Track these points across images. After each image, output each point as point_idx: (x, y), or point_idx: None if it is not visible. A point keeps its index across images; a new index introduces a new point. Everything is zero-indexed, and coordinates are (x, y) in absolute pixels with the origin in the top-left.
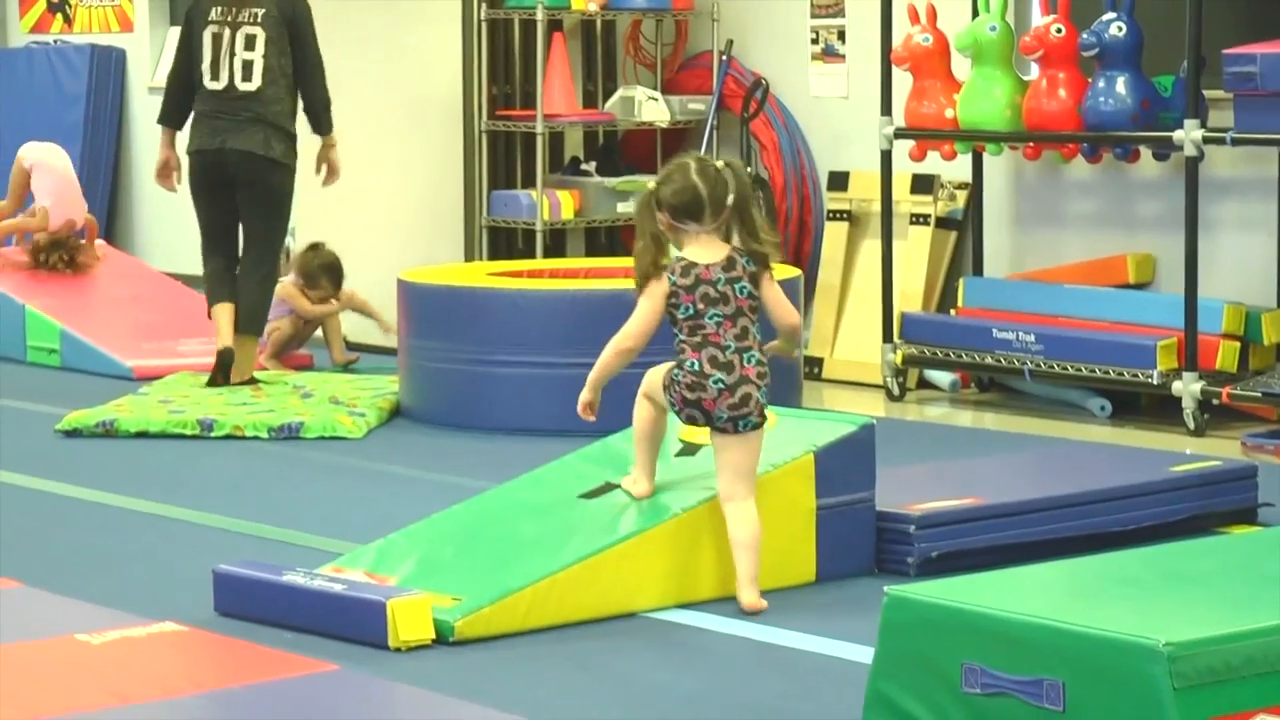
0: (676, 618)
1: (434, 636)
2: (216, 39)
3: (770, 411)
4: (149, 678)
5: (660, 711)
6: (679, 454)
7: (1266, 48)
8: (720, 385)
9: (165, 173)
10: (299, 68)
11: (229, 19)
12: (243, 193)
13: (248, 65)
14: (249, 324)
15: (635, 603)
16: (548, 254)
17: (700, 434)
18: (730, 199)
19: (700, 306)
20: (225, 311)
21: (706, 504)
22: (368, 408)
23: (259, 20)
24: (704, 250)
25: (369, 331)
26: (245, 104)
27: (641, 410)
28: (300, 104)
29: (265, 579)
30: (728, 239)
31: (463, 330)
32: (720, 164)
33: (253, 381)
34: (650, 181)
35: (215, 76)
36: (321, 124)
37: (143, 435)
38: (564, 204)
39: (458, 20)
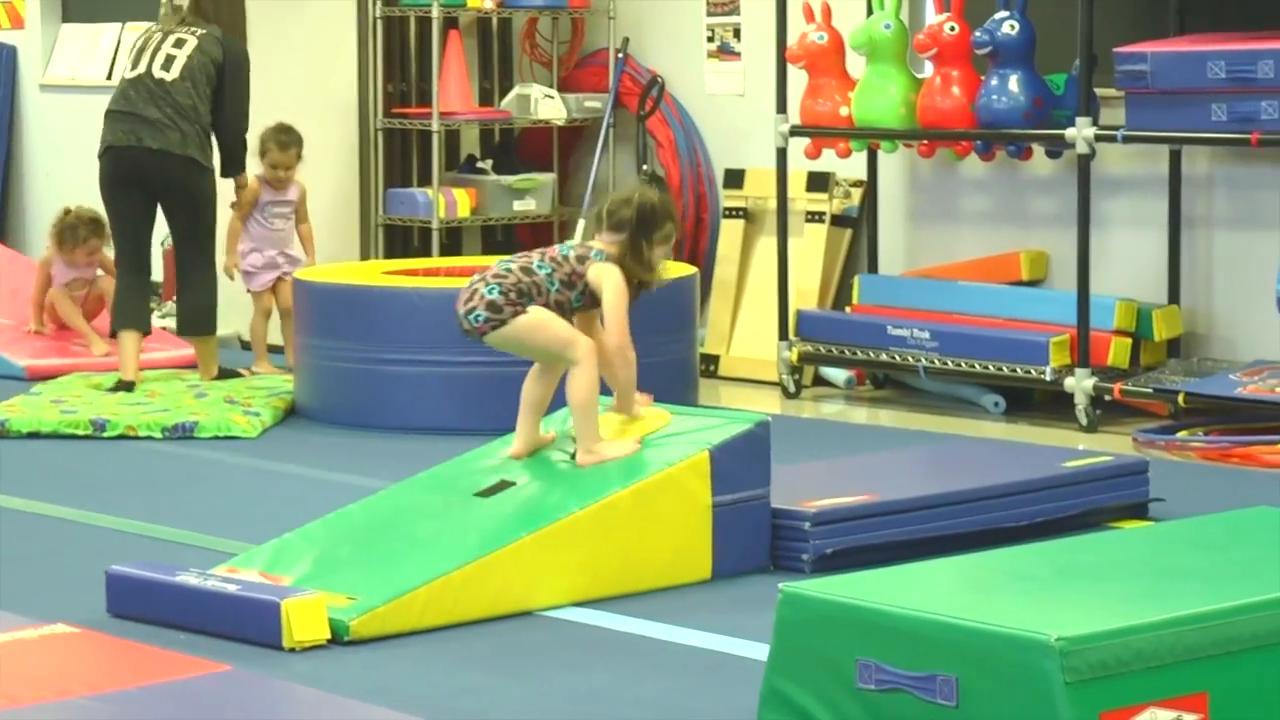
0: (572, 616)
1: (329, 636)
2: (148, 38)
3: (662, 408)
4: (41, 680)
5: (557, 710)
6: (575, 455)
7: (1157, 46)
8: (463, 289)
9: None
10: (221, 100)
11: (166, 29)
12: (164, 197)
13: (170, 58)
14: (200, 326)
15: (531, 601)
16: (444, 252)
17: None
18: (626, 224)
19: None
20: (131, 340)
21: (602, 503)
22: (263, 407)
23: (194, 32)
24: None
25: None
26: (160, 93)
27: (528, 378)
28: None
29: (158, 580)
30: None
31: (359, 329)
32: (634, 194)
33: (224, 375)
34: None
35: (135, 65)
36: (231, 165)
37: (34, 436)
38: (460, 202)
39: (353, 18)
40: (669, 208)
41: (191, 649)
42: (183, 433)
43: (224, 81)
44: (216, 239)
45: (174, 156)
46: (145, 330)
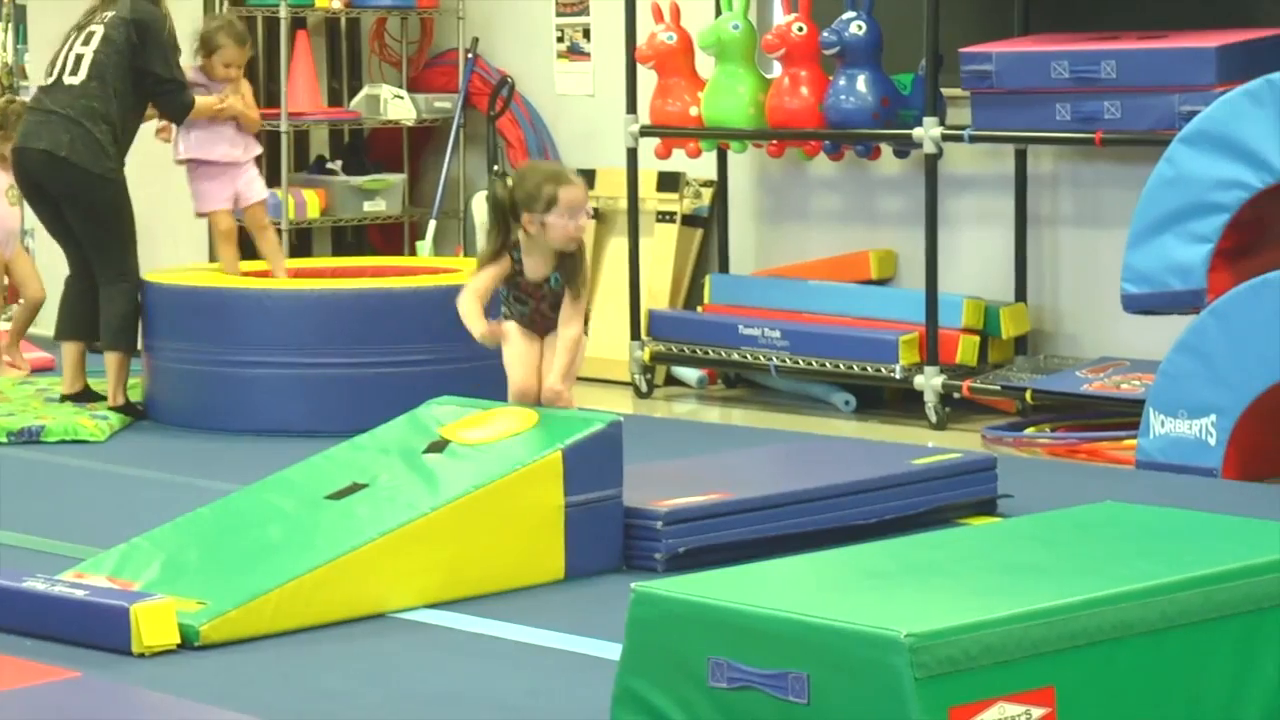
0: (426, 618)
1: (179, 641)
2: (65, 39)
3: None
4: None
5: (411, 712)
6: (426, 450)
7: (1002, 46)
8: None
9: None
10: (144, 77)
11: (85, 22)
12: (60, 201)
13: (79, 59)
14: (108, 339)
15: (384, 603)
16: (294, 253)
17: (456, 431)
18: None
19: None
20: (70, 351)
21: (453, 504)
22: (110, 411)
23: (105, 21)
24: None
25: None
26: (67, 98)
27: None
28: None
29: (4, 586)
30: None
31: (208, 330)
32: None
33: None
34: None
35: (49, 73)
36: (178, 118)
37: None
38: (310, 203)
39: (199, 17)
40: (530, 179)
41: (39, 655)
42: (29, 437)
43: (144, 52)
44: (130, 248)
45: (57, 159)
46: (86, 339)
